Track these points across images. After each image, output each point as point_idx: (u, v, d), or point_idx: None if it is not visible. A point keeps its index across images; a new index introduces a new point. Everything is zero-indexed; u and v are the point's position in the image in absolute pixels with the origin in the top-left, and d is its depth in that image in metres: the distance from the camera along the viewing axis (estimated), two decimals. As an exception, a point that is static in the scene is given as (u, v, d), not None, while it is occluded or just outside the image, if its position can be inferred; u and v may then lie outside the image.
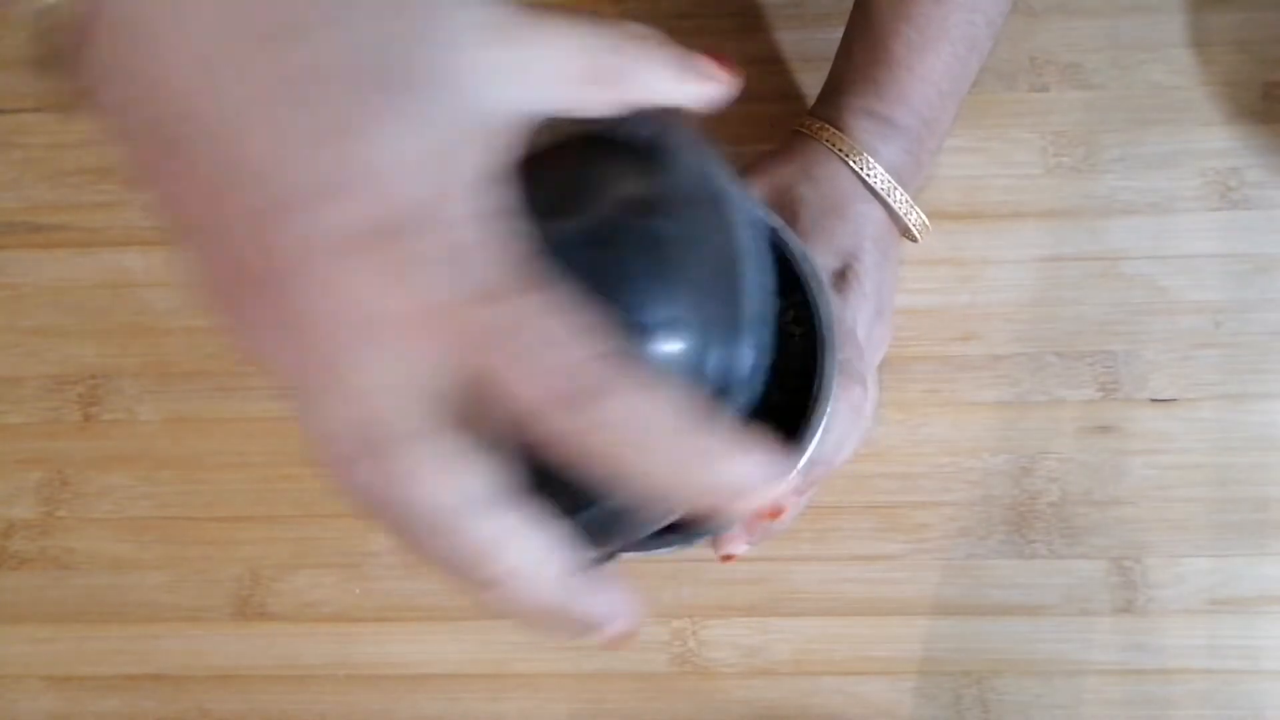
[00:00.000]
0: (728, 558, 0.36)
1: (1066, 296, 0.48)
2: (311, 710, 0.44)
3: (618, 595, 0.20)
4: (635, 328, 0.21)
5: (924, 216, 0.41)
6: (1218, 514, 0.44)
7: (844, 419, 0.35)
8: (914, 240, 0.42)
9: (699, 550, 0.45)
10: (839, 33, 0.53)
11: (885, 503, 0.45)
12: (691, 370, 0.21)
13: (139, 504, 0.47)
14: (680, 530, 0.32)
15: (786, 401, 0.38)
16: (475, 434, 0.18)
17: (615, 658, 0.44)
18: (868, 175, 0.39)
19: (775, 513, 0.31)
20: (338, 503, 0.48)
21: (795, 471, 0.35)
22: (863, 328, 0.38)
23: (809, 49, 0.53)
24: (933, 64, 0.40)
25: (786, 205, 0.39)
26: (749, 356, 0.22)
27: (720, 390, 0.21)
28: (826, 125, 0.41)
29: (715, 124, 0.54)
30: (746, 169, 0.42)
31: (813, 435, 0.35)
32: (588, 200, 0.24)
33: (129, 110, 0.19)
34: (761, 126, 0.52)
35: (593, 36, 0.21)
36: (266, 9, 0.18)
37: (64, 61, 0.19)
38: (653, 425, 0.17)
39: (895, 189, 0.40)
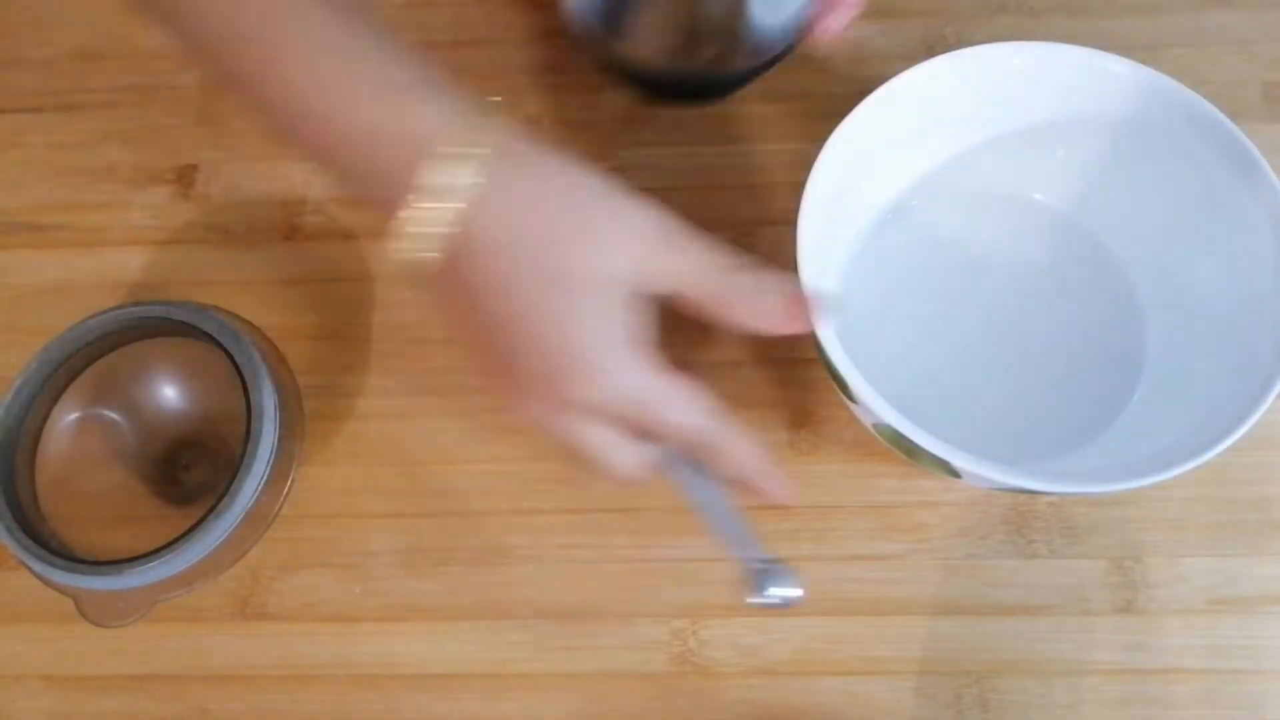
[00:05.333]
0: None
1: (1066, 296, 0.47)
2: (311, 710, 0.44)
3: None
4: None
5: None
6: (1218, 514, 0.44)
7: None
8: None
9: (699, 550, 0.45)
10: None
11: (885, 503, 0.45)
12: None
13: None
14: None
15: None
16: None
17: (615, 658, 0.44)
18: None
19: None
20: (337, 503, 0.48)
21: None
22: None
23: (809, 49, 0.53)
24: None
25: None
26: None
27: None
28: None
29: (714, 125, 0.54)
30: None
31: None
32: None
33: (455, 301, 0.33)
34: (763, 125, 0.52)
35: (715, 267, 0.34)
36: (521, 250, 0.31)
37: (417, 266, 0.32)
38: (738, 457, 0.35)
39: None
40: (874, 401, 0.37)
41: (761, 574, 0.35)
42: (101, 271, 0.51)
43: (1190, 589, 0.43)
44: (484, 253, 0.31)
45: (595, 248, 0.32)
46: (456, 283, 0.32)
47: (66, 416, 0.44)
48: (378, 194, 0.31)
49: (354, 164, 0.32)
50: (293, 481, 0.44)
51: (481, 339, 0.33)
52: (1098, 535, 0.44)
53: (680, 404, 0.34)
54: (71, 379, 0.44)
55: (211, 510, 0.40)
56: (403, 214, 0.31)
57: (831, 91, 0.52)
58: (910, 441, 0.37)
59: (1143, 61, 0.42)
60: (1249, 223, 0.41)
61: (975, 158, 0.47)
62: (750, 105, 0.52)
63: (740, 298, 0.34)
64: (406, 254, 0.32)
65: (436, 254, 0.31)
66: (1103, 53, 0.42)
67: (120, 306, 0.44)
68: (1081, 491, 0.39)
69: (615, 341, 0.32)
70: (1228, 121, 0.41)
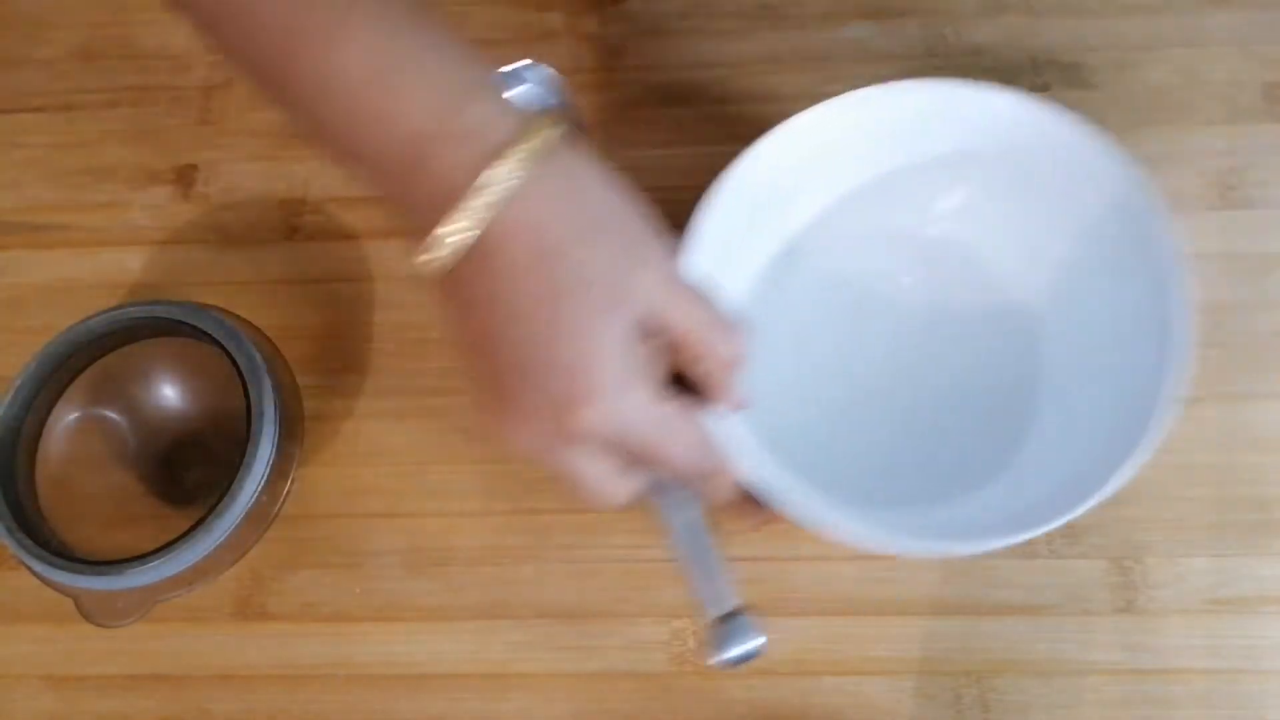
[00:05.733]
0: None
1: (1066, 296, 0.47)
2: (311, 710, 0.44)
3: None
4: None
5: None
6: (1218, 514, 0.44)
7: None
8: None
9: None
10: (840, 33, 0.54)
11: (885, 503, 0.45)
12: None
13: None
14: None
15: None
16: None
17: (615, 658, 0.44)
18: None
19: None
20: (337, 503, 0.48)
21: None
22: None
23: (809, 49, 0.53)
24: None
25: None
26: None
27: None
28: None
29: (714, 125, 0.54)
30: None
31: None
32: None
33: (463, 307, 0.32)
34: (763, 126, 0.52)
35: (714, 323, 0.34)
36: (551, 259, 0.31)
37: (443, 271, 0.31)
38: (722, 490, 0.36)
39: None
40: (734, 453, 0.37)
41: (724, 632, 0.35)
42: (101, 271, 0.51)
43: (1190, 589, 0.43)
44: (521, 257, 0.31)
45: (633, 265, 0.32)
46: (479, 290, 0.31)
47: (66, 416, 0.44)
48: (416, 195, 0.31)
49: (397, 163, 0.31)
50: (293, 481, 0.44)
51: (489, 356, 0.32)
52: (1098, 535, 0.44)
53: (685, 438, 0.34)
54: (71, 379, 0.44)
55: (211, 510, 0.40)
56: (442, 216, 0.30)
57: (831, 92, 0.52)
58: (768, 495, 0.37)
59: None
60: (1133, 260, 0.40)
61: (871, 195, 0.46)
62: (752, 106, 0.52)
63: (722, 364, 0.35)
64: (437, 257, 0.31)
65: (468, 258, 0.31)
66: (996, 89, 0.41)
67: (120, 306, 0.44)
68: (935, 551, 0.39)
69: (629, 368, 0.32)
70: (1115, 153, 0.40)
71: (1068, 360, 0.44)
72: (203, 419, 0.47)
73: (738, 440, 0.37)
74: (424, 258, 0.31)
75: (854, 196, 0.46)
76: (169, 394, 0.47)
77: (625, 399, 0.32)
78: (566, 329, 0.31)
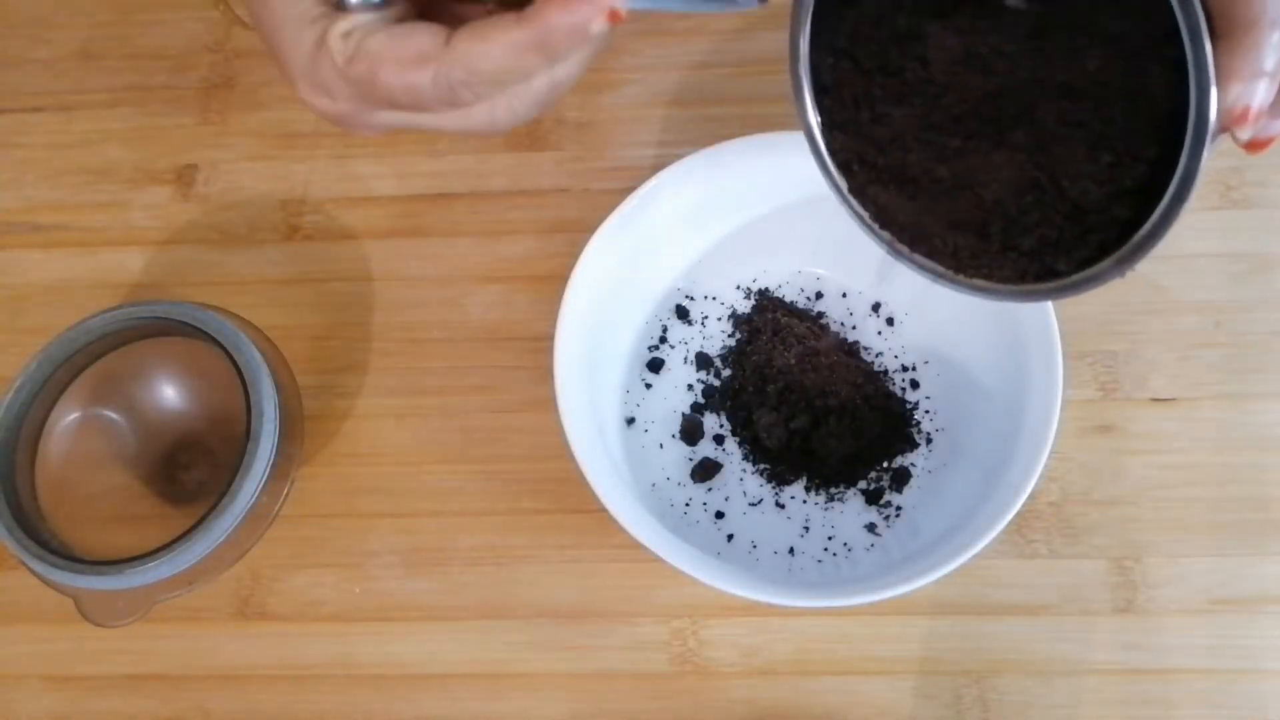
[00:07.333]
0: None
1: (1066, 296, 0.47)
2: (311, 710, 0.44)
3: None
4: None
5: None
6: (1218, 514, 0.44)
7: None
8: None
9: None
10: (839, 33, 0.53)
11: (885, 503, 0.45)
12: None
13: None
14: None
15: None
16: None
17: (615, 658, 0.44)
18: None
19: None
20: (337, 503, 0.48)
21: None
22: None
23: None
24: None
25: None
26: None
27: None
28: None
29: (714, 125, 0.54)
30: None
31: None
32: None
33: None
34: (762, 126, 0.52)
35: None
36: None
37: None
38: None
39: None
40: (614, 509, 0.37)
41: None
42: (101, 271, 0.51)
43: (1190, 589, 0.43)
44: None
45: None
46: None
47: (66, 416, 0.44)
48: None
49: None
50: (293, 481, 0.44)
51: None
52: (1098, 535, 0.44)
53: (390, 68, 0.28)
54: (71, 379, 0.44)
55: (211, 510, 0.40)
56: None
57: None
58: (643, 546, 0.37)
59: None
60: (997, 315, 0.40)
61: (742, 242, 0.46)
62: (752, 106, 0.52)
63: None
64: None
65: None
66: None
67: (120, 306, 0.44)
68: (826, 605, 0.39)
69: (309, 37, 0.29)
70: None
71: (956, 402, 0.45)
72: (203, 419, 0.47)
73: (618, 495, 0.37)
74: None
75: (732, 242, 0.46)
76: (169, 394, 0.47)
77: (317, 70, 0.29)
78: (262, 13, 0.30)
